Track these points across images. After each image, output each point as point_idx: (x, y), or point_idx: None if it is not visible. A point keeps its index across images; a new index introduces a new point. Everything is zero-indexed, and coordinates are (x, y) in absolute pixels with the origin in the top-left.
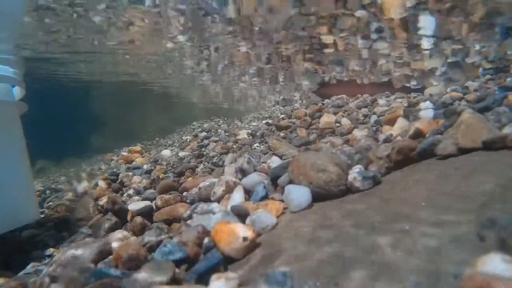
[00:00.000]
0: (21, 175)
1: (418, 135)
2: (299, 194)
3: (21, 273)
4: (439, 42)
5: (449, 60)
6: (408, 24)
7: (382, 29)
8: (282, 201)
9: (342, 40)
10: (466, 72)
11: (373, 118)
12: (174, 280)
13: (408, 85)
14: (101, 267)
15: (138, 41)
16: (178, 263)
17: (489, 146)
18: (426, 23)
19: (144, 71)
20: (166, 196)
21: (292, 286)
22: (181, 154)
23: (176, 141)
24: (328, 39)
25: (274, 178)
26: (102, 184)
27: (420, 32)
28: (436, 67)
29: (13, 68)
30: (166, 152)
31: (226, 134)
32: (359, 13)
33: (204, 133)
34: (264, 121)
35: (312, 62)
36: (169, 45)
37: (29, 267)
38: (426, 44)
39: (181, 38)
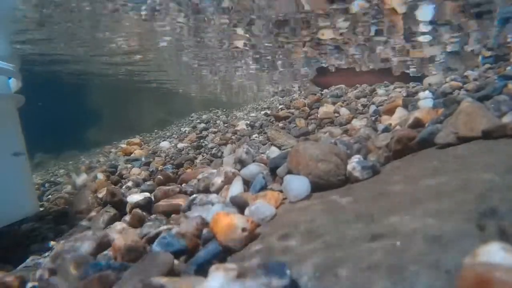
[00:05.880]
0: (19, 168)
1: (417, 124)
2: (298, 184)
3: (20, 266)
4: (437, 29)
5: (448, 49)
6: (408, 15)
7: (381, 19)
8: (281, 191)
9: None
10: (465, 60)
11: (372, 108)
12: (173, 272)
13: (407, 71)
14: (100, 259)
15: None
16: (177, 254)
17: (489, 135)
18: (425, 11)
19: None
20: (165, 188)
21: (291, 277)
22: (180, 145)
23: (175, 132)
24: (326, 34)
25: (273, 169)
26: (101, 176)
27: (419, 20)
28: (435, 55)
29: (9, 60)
30: (164, 144)
31: (225, 125)
32: (356, 4)
33: (203, 125)
34: (263, 112)
35: (311, 49)
36: (167, 38)
37: (29, 260)
38: (424, 32)
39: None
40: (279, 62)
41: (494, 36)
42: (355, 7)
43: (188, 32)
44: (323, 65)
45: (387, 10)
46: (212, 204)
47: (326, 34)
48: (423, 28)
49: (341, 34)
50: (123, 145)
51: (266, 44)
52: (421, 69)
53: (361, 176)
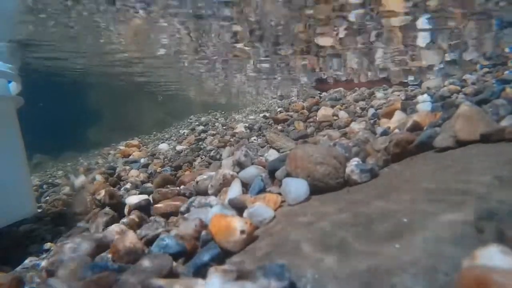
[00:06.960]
0: (18, 169)
1: (416, 128)
2: (296, 187)
3: (18, 268)
4: (436, 37)
5: (446, 57)
6: (407, 27)
7: (380, 28)
8: (279, 194)
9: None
10: (463, 69)
11: (371, 111)
12: (171, 274)
13: (406, 81)
14: (98, 261)
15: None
16: (175, 256)
17: (487, 138)
18: (424, 21)
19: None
20: (163, 190)
21: (290, 279)
22: (179, 148)
23: (174, 135)
24: (326, 41)
25: (272, 171)
26: (99, 178)
27: (418, 29)
28: (433, 64)
29: (9, 63)
30: (163, 146)
31: (224, 127)
32: (355, 13)
33: (201, 127)
34: (261, 115)
35: (310, 61)
36: (166, 41)
37: (27, 262)
38: (423, 40)
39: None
40: (279, 76)
41: (493, 46)
42: (352, 17)
43: (188, 37)
44: (322, 76)
45: (385, 18)
46: (211, 206)
47: (325, 41)
48: (422, 37)
49: (340, 40)
50: (122, 147)
51: (264, 58)
52: (420, 77)
53: (360, 179)
